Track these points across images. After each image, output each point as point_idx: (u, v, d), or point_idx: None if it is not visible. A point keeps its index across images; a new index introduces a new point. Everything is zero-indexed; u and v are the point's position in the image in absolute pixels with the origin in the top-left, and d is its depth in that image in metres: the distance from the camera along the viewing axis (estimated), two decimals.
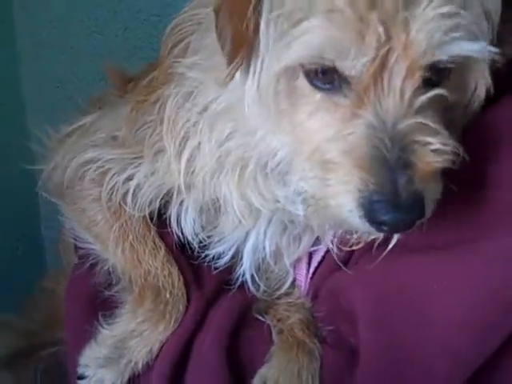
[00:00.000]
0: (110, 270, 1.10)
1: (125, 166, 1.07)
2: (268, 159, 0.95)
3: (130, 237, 1.07)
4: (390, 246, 0.94)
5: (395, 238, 0.93)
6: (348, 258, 1.05)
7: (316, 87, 0.84)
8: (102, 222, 1.10)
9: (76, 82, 1.99)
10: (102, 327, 1.05)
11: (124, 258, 1.08)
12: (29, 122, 2.08)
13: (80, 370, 1.05)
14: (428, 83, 0.83)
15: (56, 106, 1.99)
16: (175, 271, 1.06)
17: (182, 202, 1.07)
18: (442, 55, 0.81)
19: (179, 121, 1.01)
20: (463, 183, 0.86)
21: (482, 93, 0.90)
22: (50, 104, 2.00)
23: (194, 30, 1.01)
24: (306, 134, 0.86)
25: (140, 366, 1.03)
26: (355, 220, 0.82)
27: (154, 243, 1.08)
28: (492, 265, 0.89)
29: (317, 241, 1.07)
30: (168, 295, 1.03)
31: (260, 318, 1.09)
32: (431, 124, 0.82)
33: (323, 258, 1.08)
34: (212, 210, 1.06)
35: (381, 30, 0.77)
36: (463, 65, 0.86)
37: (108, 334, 1.05)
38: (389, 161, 0.79)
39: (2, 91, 1.96)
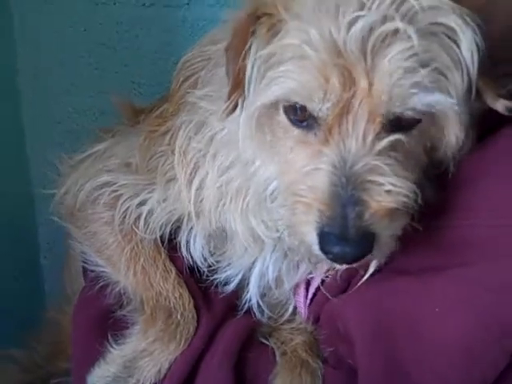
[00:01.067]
0: (121, 291, 1.13)
1: (138, 191, 1.11)
2: (265, 188, 1.02)
3: (142, 259, 1.11)
4: (368, 273, 1.01)
5: (372, 265, 1.00)
6: (347, 286, 1.09)
7: (294, 124, 0.92)
8: (114, 244, 1.13)
9: (76, 117, 2.01)
10: (112, 347, 1.07)
11: (136, 280, 1.11)
12: (30, 158, 2.08)
13: None
14: (394, 128, 0.89)
15: (56, 141, 2.00)
16: (186, 294, 1.10)
17: (191, 229, 1.12)
18: (400, 108, 0.86)
19: (190, 151, 1.07)
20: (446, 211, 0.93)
21: (452, 141, 0.94)
22: (51, 140, 2.02)
23: (204, 65, 1.09)
24: (285, 166, 0.95)
25: None
26: (315, 247, 0.89)
27: (165, 266, 1.11)
28: (476, 291, 0.94)
29: (314, 268, 1.12)
30: (179, 316, 1.07)
31: (264, 341, 1.13)
32: (387, 167, 0.88)
33: (321, 284, 1.13)
34: (220, 237, 1.11)
35: (341, 77, 0.84)
36: (435, 115, 0.91)
37: (118, 353, 1.07)
38: (342, 197, 0.86)
39: (2, 126, 1.97)
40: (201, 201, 1.07)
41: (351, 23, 0.84)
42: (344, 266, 0.95)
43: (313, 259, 0.97)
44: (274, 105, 0.92)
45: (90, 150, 1.22)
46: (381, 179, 0.87)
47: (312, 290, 1.15)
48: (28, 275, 2.09)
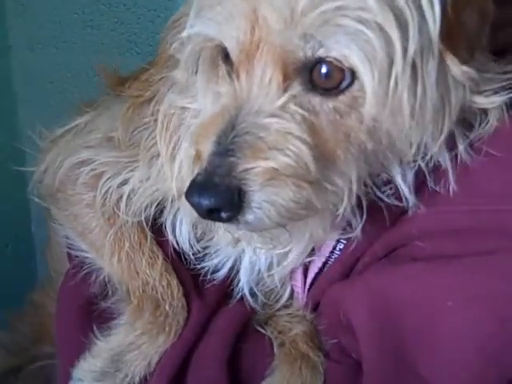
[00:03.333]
0: (106, 279, 1.06)
1: (120, 169, 1.03)
2: None
3: (127, 245, 1.03)
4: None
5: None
6: (350, 269, 1.01)
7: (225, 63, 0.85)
8: (97, 229, 1.05)
9: (69, 76, 1.93)
10: (98, 339, 1.01)
11: (121, 267, 1.03)
12: (20, 117, 2.03)
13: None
14: (316, 86, 0.79)
15: (48, 101, 1.94)
16: (174, 281, 1.02)
17: (176, 212, 1.03)
18: (310, 50, 0.76)
19: (171, 124, 0.98)
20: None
21: (366, 121, 0.79)
22: (42, 99, 1.95)
23: None
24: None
25: (137, 379, 1.00)
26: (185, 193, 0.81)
27: (152, 251, 1.03)
28: (494, 283, 0.86)
29: (312, 252, 1.03)
30: (168, 307, 1.00)
31: (260, 329, 1.06)
32: (282, 124, 0.77)
33: (321, 269, 1.04)
34: (207, 221, 1.01)
35: (251, 14, 0.76)
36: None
37: (104, 346, 1.01)
38: (221, 146, 0.78)
39: None
40: (185, 179, 0.96)
41: None
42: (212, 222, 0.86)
43: None
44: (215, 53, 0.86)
45: (71, 123, 1.12)
46: (268, 135, 0.78)
47: (311, 274, 1.06)
48: (19, 245, 2.05)
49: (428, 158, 0.86)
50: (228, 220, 0.79)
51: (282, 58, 0.77)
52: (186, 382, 1.00)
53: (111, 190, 1.02)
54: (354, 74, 0.77)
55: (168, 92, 0.98)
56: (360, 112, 0.79)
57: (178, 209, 1.02)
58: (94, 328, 1.02)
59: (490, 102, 0.84)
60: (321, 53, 0.76)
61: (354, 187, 0.83)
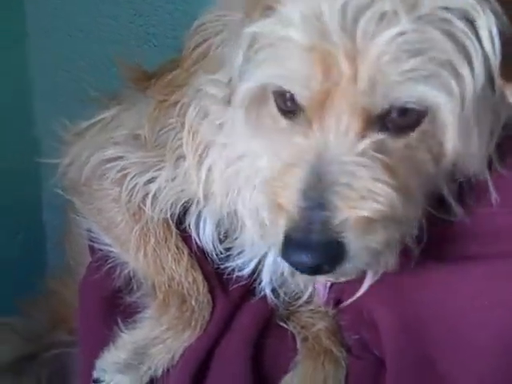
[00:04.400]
0: (131, 274, 1.07)
1: (146, 168, 1.03)
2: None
3: (152, 240, 1.04)
4: (363, 288, 0.94)
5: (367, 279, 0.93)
6: None
7: (282, 113, 0.84)
8: (122, 223, 1.06)
9: (84, 66, 1.91)
10: (122, 331, 1.03)
11: (146, 262, 1.04)
12: (34, 105, 2.01)
13: (96, 374, 1.03)
14: (387, 127, 0.79)
15: (62, 89, 1.92)
16: (200, 277, 1.03)
17: (200, 212, 1.05)
18: (384, 100, 0.76)
19: (199, 132, 0.99)
20: None
21: (447, 149, 0.82)
22: (57, 87, 1.93)
23: (219, 31, 0.98)
24: (273, 160, 0.87)
25: (160, 372, 1.02)
26: (279, 253, 0.82)
27: (177, 247, 1.04)
28: None
29: None
30: (194, 302, 1.01)
31: (283, 324, 1.07)
32: (366, 170, 0.78)
33: None
34: (231, 224, 1.04)
35: (328, 62, 0.75)
36: (432, 118, 0.80)
37: (128, 339, 1.02)
38: (312, 200, 0.78)
39: (8, 73, 1.89)
40: (211, 184, 0.99)
41: (339, 3, 0.75)
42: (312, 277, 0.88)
43: None
44: (263, 92, 0.84)
45: (97, 116, 1.12)
46: (356, 183, 0.78)
47: None
48: (29, 231, 2.04)
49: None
50: (327, 273, 0.80)
51: (360, 107, 0.77)
52: (208, 377, 1.01)
53: (137, 187, 1.03)
54: (425, 111, 0.78)
55: (194, 102, 0.99)
56: (428, 143, 0.81)
57: (201, 211, 1.04)
58: (119, 321, 1.03)
59: None
60: (399, 101, 0.77)
61: (420, 213, 0.85)
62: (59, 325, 1.34)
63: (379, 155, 0.79)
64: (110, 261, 1.08)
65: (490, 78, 0.78)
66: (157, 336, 1.01)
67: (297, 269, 0.82)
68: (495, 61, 0.77)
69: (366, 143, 0.78)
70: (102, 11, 1.87)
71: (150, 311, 1.03)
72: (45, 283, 1.42)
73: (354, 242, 0.78)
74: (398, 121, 0.79)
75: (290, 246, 0.79)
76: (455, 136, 0.79)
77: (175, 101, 1.01)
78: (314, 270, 0.80)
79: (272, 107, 0.85)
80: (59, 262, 1.41)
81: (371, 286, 0.98)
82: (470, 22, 0.76)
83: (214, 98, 0.96)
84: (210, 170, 0.99)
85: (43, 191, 2.04)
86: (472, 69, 0.77)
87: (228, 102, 0.87)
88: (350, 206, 0.77)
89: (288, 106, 0.83)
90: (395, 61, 0.74)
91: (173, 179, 1.02)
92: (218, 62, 0.96)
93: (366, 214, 0.78)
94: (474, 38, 0.76)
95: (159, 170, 1.02)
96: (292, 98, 0.81)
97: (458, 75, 0.76)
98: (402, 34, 0.73)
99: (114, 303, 1.06)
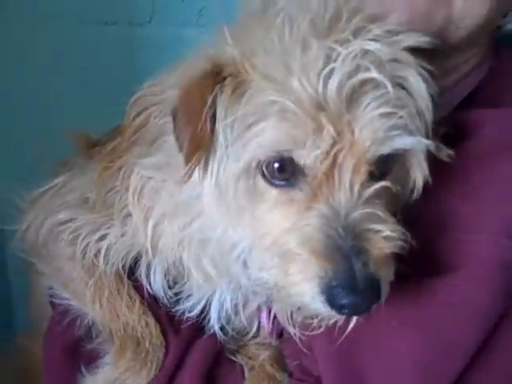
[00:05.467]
0: (90, 323, 1.17)
1: (97, 227, 1.13)
2: (228, 252, 1.01)
3: (106, 292, 1.14)
4: (350, 326, 0.98)
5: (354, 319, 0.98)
6: None
7: (272, 184, 0.92)
8: (78, 279, 1.16)
9: (41, 138, 1.90)
10: (84, 376, 1.11)
11: (102, 312, 1.14)
12: None
13: None
14: (374, 177, 0.92)
15: (20, 161, 1.98)
16: (152, 321, 1.13)
17: (150, 263, 1.14)
18: (383, 150, 0.90)
19: (144, 196, 1.08)
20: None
21: (419, 181, 0.98)
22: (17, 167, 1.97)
23: (156, 102, 1.09)
24: (265, 228, 0.93)
25: None
26: (318, 305, 0.88)
27: (129, 296, 1.14)
28: (427, 305, 0.99)
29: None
30: (147, 344, 1.11)
31: (233, 358, 1.17)
32: (380, 213, 0.89)
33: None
34: (178, 271, 1.13)
35: (330, 126, 0.86)
36: (402, 158, 0.96)
37: (90, 383, 1.11)
38: (343, 248, 0.86)
39: None
40: (157, 239, 1.08)
41: (327, 75, 0.87)
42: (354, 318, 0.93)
43: (314, 316, 0.96)
44: (246, 169, 0.92)
45: (48, 184, 1.23)
46: (378, 226, 0.89)
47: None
48: None
49: None
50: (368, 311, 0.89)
51: (363, 163, 0.89)
52: None
53: (90, 244, 1.13)
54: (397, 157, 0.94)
55: (136, 169, 1.08)
56: (399, 180, 0.97)
57: (151, 261, 1.13)
58: (82, 368, 1.12)
59: None
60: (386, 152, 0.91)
61: None
62: (29, 381, 1.38)
63: (377, 199, 0.91)
64: (70, 313, 1.18)
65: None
66: (116, 378, 1.10)
67: (349, 313, 0.89)
68: (429, 120, 0.95)
69: (369, 193, 0.90)
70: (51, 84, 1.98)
71: (109, 356, 1.13)
72: (12, 341, 1.48)
73: (386, 276, 0.89)
74: (381, 168, 0.93)
75: (339, 294, 0.85)
76: (425, 169, 0.96)
77: (119, 166, 1.13)
78: (365, 310, 0.88)
79: (258, 181, 0.92)
80: (25, 320, 1.48)
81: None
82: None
83: (159, 180, 1.05)
84: (155, 226, 1.08)
85: (7, 255, 2.11)
86: (421, 123, 0.94)
87: (181, 181, 0.95)
88: (379, 248, 0.87)
89: (279, 174, 0.91)
90: (385, 117, 0.88)
91: (122, 235, 1.12)
92: (155, 136, 1.07)
93: (392, 250, 0.89)
94: (417, 101, 0.94)
95: (109, 228, 1.13)
96: (284, 166, 0.90)
97: (419, 127, 0.93)
98: (385, 94, 0.89)
99: (77, 351, 1.15)
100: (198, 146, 0.91)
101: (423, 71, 0.94)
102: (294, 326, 1.08)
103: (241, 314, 1.16)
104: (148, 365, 1.10)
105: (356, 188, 0.89)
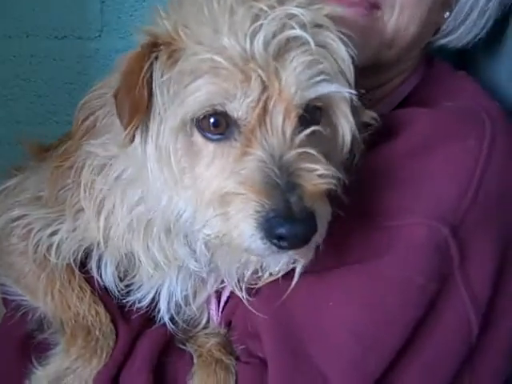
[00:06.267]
0: (42, 316, 1.20)
1: (49, 222, 1.18)
2: (173, 221, 1.05)
3: (57, 284, 1.18)
4: (294, 280, 1.04)
5: (297, 272, 1.05)
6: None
7: (208, 139, 0.98)
8: (30, 273, 1.20)
9: None
10: (36, 368, 1.14)
11: (54, 304, 1.18)
12: None
13: None
14: (306, 123, 0.99)
15: None
16: (102, 310, 1.17)
17: (101, 256, 1.19)
18: (309, 95, 0.97)
19: (95, 188, 1.13)
20: (352, 212, 1.02)
21: (347, 136, 1.06)
22: None
23: (102, 105, 1.17)
24: (205, 183, 0.98)
25: None
26: (257, 244, 0.92)
27: (80, 287, 1.18)
28: (364, 284, 1.07)
29: (222, 281, 1.20)
30: (98, 332, 1.14)
31: (182, 346, 1.22)
32: (313, 152, 0.96)
33: (231, 293, 1.22)
34: (129, 262, 1.18)
35: (258, 76, 0.94)
36: (329, 114, 1.04)
37: (42, 373, 1.14)
38: (280, 185, 0.91)
39: None
40: (109, 230, 1.13)
41: (254, 32, 0.95)
42: (290, 253, 0.95)
43: (257, 259, 1.00)
44: (183, 127, 0.97)
45: (2, 185, 1.28)
46: (312, 165, 0.94)
47: (224, 298, 1.24)
48: None
49: None
50: (305, 244, 0.92)
51: (292, 108, 0.96)
52: None
53: (42, 239, 1.17)
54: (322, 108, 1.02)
55: (87, 163, 1.14)
56: (328, 131, 1.04)
57: (103, 253, 1.18)
58: (33, 359, 1.14)
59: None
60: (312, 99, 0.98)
61: None
62: None
63: (312, 143, 0.97)
64: (22, 308, 1.21)
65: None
66: (67, 367, 1.13)
67: (288, 242, 0.90)
68: (351, 78, 1.03)
69: (300, 137, 0.96)
70: (6, 95, 2.03)
71: (60, 346, 1.16)
72: None
73: (322, 211, 0.93)
74: (313, 115, 1.00)
75: (278, 223, 0.89)
76: (350, 120, 1.03)
77: (70, 165, 1.18)
78: (303, 240, 0.91)
79: (195, 138, 0.98)
80: None
81: (256, 304, 1.15)
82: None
83: (106, 157, 1.11)
84: (107, 218, 1.13)
85: None
86: (344, 81, 1.02)
87: (123, 145, 1.00)
88: (314, 184, 0.93)
89: (214, 129, 0.96)
90: (309, 66, 0.96)
91: (73, 230, 1.17)
92: (104, 131, 1.14)
93: (327, 187, 0.94)
94: (339, 61, 1.03)
95: (61, 223, 1.17)
96: (219, 120, 0.95)
97: (342, 80, 1.01)
98: (309, 49, 0.97)
99: (28, 344, 1.18)
100: (137, 109, 0.97)
101: (342, 36, 1.03)
102: (241, 289, 1.13)
103: (191, 305, 1.21)
104: (98, 352, 1.13)
105: (288, 132, 0.95)
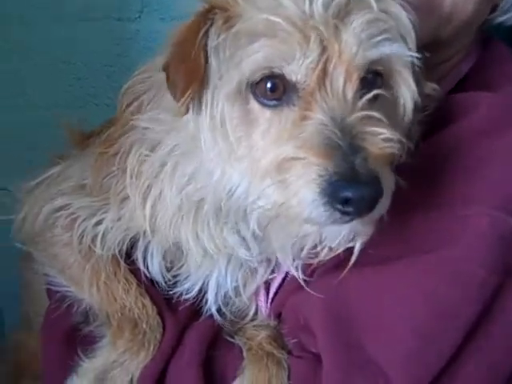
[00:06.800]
0: (87, 308, 1.18)
1: (93, 211, 1.15)
2: (225, 200, 1.00)
3: (103, 276, 1.15)
4: (353, 258, 0.98)
5: (356, 250, 0.99)
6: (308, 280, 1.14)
7: (264, 105, 0.93)
8: (75, 264, 1.18)
9: (32, 133, 2.01)
10: (82, 361, 1.12)
11: (99, 296, 1.15)
12: None
13: None
14: (368, 86, 0.94)
15: (13, 156, 2.00)
16: (148, 303, 1.15)
17: (147, 246, 1.16)
18: (371, 55, 0.92)
19: (142, 174, 1.10)
20: (412, 198, 0.96)
21: (408, 102, 1.00)
22: (5, 156, 2.01)
23: (146, 89, 1.12)
24: (261, 152, 0.93)
25: None
26: (319, 211, 0.86)
27: (126, 279, 1.16)
28: (428, 275, 1.01)
29: (272, 271, 1.17)
30: (145, 325, 1.12)
31: (231, 339, 1.18)
32: (377, 116, 0.91)
33: (281, 284, 1.18)
34: (176, 252, 1.15)
35: (317, 36, 0.89)
36: (390, 74, 0.98)
37: (89, 366, 1.12)
38: (342, 147, 0.86)
39: None
40: (156, 218, 1.10)
41: None
42: (353, 224, 0.89)
43: (315, 231, 0.94)
44: (239, 94, 0.93)
45: (45, 174, 1.25)
46: (376, 128, 0.89)
47: (273, 289, 1.20)
48: None
49: None
50: (372, 209, 0.87)
51: (353, 70, 0.91)
52: None
53: (87, 229, 1.15)
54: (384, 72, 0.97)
55: (135, 148, 1.11)
56: (392, 94, 0.99)
57: (148, 244, 1.15)
58: (79, 352, 1.12)
59: None
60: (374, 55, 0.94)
61: None
62: (24, 373, 1.40)
63: (375, 107, 0.92)
64: (67, 300, 1.19)
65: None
66: (114, 360, 1.11)
67: (355, 206, 0.85)
68: (413, 46, 0.98)
69: (363, 101, 0.91)
70: (45, 78, 2.01)
71: (106, 339, 1.14)
72: (5, 337, 1.50)
73: (387, 176, 0.88)
74: (372, 80, 0.95)
75: (342, 186, 0.84)
76: (411, 84, 0.97)
77: (115, 152, 1.15)
78: (369, 203, 0.85)
79: (251, 106, 0.93)
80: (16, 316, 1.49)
81: (305, 295, 1.11)
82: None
83: (157, 132, 1.07)
84: (153, 205, 1.10)
85: None
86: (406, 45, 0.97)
87: (178, 114, 0.96)
88: (379, 147, 0.88)
89: (271, 94, 0.92)
90: (371, 24, 0.92)
91: (119, 219, 1.14)
92: (149, 107, 1.09)
93: (392, 151, 0.89)
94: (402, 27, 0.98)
95: (105, 212, 1.14)
96: (277, 83, 0.91)
97: (404, 41, 0.97)
98: (370, 9, 0.93)
99: (74, 336, 1.16)
100: (193, 76, 0.92)
101: (404, 3, 0.98)
102: (297, 268, 1.08)
103: (241, 296, 1.18)
104: (146, 345, 1.11)
105: (350, 95, 0.91)
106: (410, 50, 0.97)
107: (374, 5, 0.93)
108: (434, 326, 1.02)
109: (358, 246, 0.99)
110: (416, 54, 0.97)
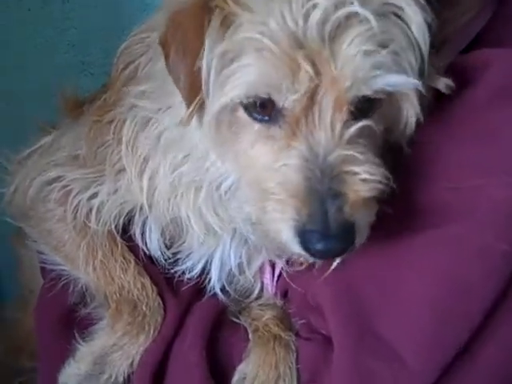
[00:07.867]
0: (84, 288, 1.12)
1: (88, 184, 1.09)
2: (220, 182, 1.00)
3: (99, 253, 1.09)
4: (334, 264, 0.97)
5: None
6: None
7: (254, 119, 0.90)
8: (70, 241, 1.11)
9: (25, 98, 1.94)
10: (80, 344, 1.07)
11: (96, 275, 1.09)
12: None
13: None
14: (358, 114, 0.88)
15: (5, 122, 1.94)
16: (148, 283, 1.09)
17: (145, 221, 1.10)
18: (366, 90, 0.85)
19: (138, 145, 1.05)
20: (421, 170, 0.93)
21: (412, 121, 0.94)
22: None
23: (144, 51, 1.05)
24: (247, 162, 0.92)
25: (121, 379, 1.06)
26: (294, 246, 0.88)
27: (123, 257, 1.10)
28: (444, 252, 0.96)
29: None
30: (144, 307, 1.06)
31: (235, 320, 1.13)
32: (360, 155, 0.87)
33: (287, 261, 1.12)
34: (176, 229, 1.10)
35: (308, 66, 0.83)
36: (393, 96, 0.91)
37: (86, 350, 1.06)
38: (320, 192, 0.85)
39: None
40: (153, 192, 1.05)
41: (308, 11, 0.83)
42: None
43: (288, 254, 0.96)
44: (227, 106, 0.89)
45: (36, 144, 1.18)
46: (356, 168, 0.87)
47: (279, 266, 1.14)
48: None
49: None
50: (343, 254, 0.88)
51: (344, 102, 0.86)
52: (167, 372, 1.06)
53: (81, 203, 1.09)
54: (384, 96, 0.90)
55: (129, 117, 1.05)
56: (384, 120, 0.94)
57: (146, 219, 1.09)
58: (76, 334, 1.07)
59: None
60: (371, 90, 0.86)
61: None
62: (18, 350, 1.37)
63: (361, 139, 0.89)
64: (62, 279, 1.13)
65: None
66: (114, 343, 1.05)
67: (320, 257, 0.89)
68: (425, 49, 0.89)
69: (350, 132, 0.87)
70: (38, 45, 1.92)
71: (104, 321, 1.08)
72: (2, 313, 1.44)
73: (362, 220, 0.87)
74: (365, 107, 0.89)
75: (313, 238, 0.85)
76: (417, 110, 0.92)
77: (109, 120, 1.08)
78: (337, 255, 0.88)
79: (241, 115, 0.90)
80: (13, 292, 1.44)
81: (313, 272, 1.05)
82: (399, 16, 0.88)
83: (150, 109, 1.02)
84: (151, 178, 1.05)
85: None
86: (414, 55, 0.89)
87: (184, 123, 0.92)
88: (356, 190, 0.86)
89: (260, 112, 0.89)
90: (368, 55, 0.83)
91: (114, 192, 1.08)
92: (144, 78, 1.03)
93: (370, 194, 0.87)
94: (409, 30, 0.88)
95: (100, 184, 1.08)
96: (264, 104, 0.87)
97: (409, 62, 0.88)
98: (368, 30, 0.83)
99: (70, 318, 1.11)
100: (198, 86, 0.88)
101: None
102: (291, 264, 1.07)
103: (246, 273, 1.13)
104: (146, 328, 1.05)
105: (337, 128, 0.86)
106: (420, 58, 0.89)
107: (374, 23, 0.84)
108: (451, 306, 0.95)
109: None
110: (419, 83, 0.88)
